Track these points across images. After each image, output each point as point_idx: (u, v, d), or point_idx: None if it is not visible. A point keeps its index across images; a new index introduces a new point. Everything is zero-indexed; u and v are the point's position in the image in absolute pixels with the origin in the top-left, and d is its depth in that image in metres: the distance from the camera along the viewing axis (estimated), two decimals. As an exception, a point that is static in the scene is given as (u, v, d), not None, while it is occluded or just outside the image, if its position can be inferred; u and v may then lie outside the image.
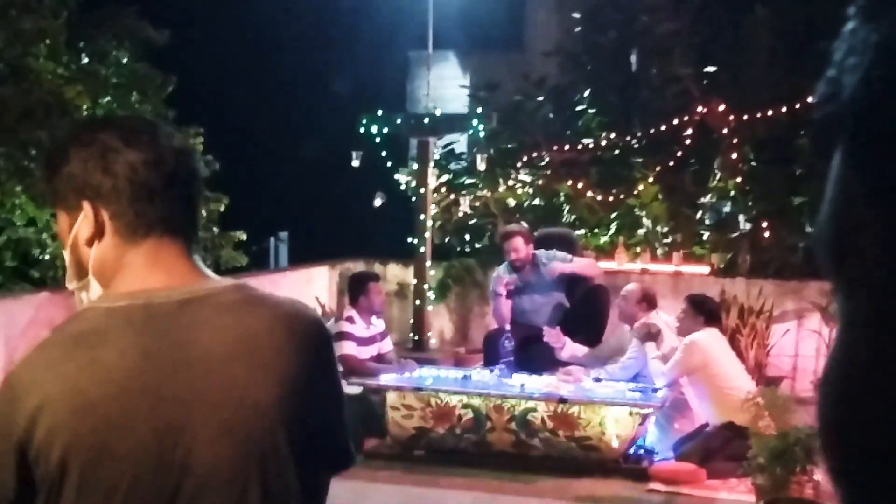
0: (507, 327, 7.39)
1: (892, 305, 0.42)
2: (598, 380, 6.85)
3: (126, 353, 1.48)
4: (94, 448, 1.45)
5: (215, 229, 10.00)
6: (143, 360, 1.48)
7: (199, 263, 1.60)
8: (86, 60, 9.12)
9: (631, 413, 6.35)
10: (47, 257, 8.68)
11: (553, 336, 7.09)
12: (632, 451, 6.47)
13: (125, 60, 9.48)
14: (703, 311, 6.57)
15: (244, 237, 10.29)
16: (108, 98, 9.13)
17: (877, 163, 0.41)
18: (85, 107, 8.26)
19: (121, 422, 1.46)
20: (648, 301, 6.93)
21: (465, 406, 6.52)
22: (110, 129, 1.58)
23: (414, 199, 9.86)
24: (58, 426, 1.44)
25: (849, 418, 0.44)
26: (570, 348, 7.14)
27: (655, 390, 6.58)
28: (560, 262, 7.47)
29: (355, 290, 7.22)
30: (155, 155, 1.54)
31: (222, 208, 9.99)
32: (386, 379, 6.87)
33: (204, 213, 9.69)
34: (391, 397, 6.62)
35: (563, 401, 6.37)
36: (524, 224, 8.18)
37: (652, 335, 6.74)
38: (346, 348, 6.75)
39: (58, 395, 1.45)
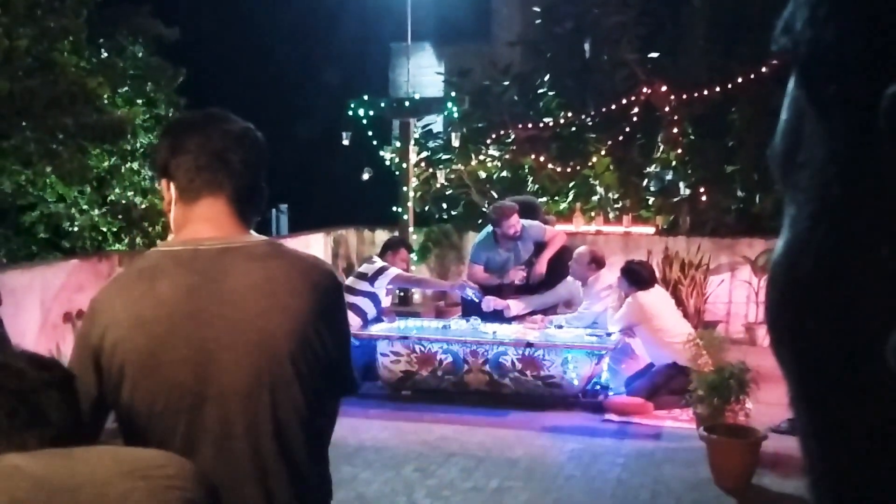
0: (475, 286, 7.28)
1: (826, 207, 0.43)
2: (559, 326, 6.88)
3: (175, 286, 1.65)
4: (145, 357, 1.62)
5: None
6: (187, 292, 1.65)
7: (242, 220, 1.74)
8: (105, 55, 8.98)
9: (588, 354, 6.39)
10: (76, 229, 8.58)
11: (492, 304, 7.04)
12: (589, 387, 6.51)
13: (140, 54, 9.34)
14: (633, 280, 6.56)
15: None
16: (126, 88, 9.00)
17: (821, 83, 0.43)
18: (105, 96, 8.14)
19: (167, 338, 1.62)
20: (596, 262, 6.97)
21: (445, 352, 6.53)
22: (182, 124, 1.79)
23: (397, 173, 9.81)
24: (121, 339, 1.63)
25: (790, 296, 0.45)
26: (514, 306, 7.14)
27: (609, 335, 6.62)
28: (543, 256, 7.20)
29: (389, 246, 7.26)
30: (205, 139, 1.71)
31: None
32: (376, 329, 6.87)
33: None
34: (381, 345, 6.62)
35: (529, 345, 6.39)
36: (508, 202, 7.59)
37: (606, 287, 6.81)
38: (394, 271, 6.91)
39: (122, 316, 1.65)
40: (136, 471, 1.39)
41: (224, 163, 1.71)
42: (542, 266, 7.21)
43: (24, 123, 7.42)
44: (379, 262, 6.97)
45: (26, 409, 1.41)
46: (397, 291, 9.42)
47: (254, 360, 1.63)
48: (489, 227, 7.36)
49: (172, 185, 1.73)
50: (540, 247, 7.30)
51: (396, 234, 8.96)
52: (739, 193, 9.84)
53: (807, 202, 0.44)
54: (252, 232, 1.76)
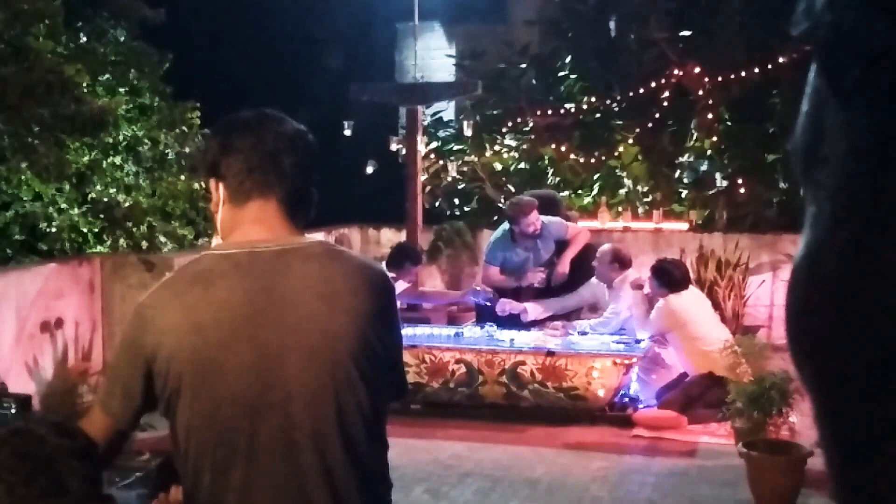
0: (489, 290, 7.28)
1: (848, 204, 0.43)
2: (583, 333, 6.89)
3: (233, 290, 1.74)
4: (206, 363, 1.69)
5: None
6: (246, 295, 1.73)
7: (293, 222, 1.83)
8: (84, 39, 9.03)
9: (615, 363, 6.39)
10: (53, 230, 8.64)
11: (507, 307, 7.04)
12: (617, 399, 6.52)
13: (122, 39, 9.39)
14: (664, 281, 6.55)
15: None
16: (108, 76, 9.06)
17: (842, 70, 0.43)
18: (84, 84, 8.19)
19: (228, 343, 1.70)
20: (620, 261, 6.94)
21: (458, 361, 6.56)
22: (233, 123, 1.85)
23: (404, 165, 9.82)
24: (179, 346, 1.70)
25: (812, 302, 0.45)
26: (532, 309, 7.12)
27: (638, 342, 6.62)
28: (565, 255, 7.20)
29: (394, 262, 6.96)
30: (256, 140, 1.80)
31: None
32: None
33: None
34: (387, 355, 6.63)
35: (550, 353, 6.41)
36: (526, 196, 7.53)
37: (639, 285, 6.79)
38: (400, 286, 6.75)
39: (179, 321, 1.72)
40: None
41: (276, 165, 1.80)
42: (564, 266, 7.22)
43: (-4, 115, 7.48)
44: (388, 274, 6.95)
45: (45, 478, 1.50)
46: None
47: (318, 363, 1.73)
48: (506, 225, 7.38)
49: (221, 186, 1.82)
50: (561, 246, 7.31)
51: (404, 239, 8.94)
52: (782, 185, 9.82)
53: (828, 200, 0.44)
54: (302, 231, 1.86)
